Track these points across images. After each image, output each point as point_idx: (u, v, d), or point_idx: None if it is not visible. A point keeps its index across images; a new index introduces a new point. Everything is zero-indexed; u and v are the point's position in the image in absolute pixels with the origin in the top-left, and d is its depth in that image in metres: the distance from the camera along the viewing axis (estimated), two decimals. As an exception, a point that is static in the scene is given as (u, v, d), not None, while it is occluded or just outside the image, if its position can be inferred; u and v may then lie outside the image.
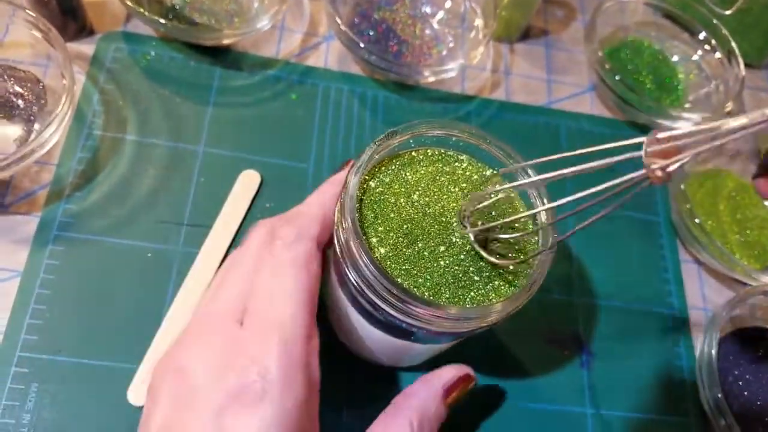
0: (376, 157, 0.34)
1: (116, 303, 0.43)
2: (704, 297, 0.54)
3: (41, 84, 0.48)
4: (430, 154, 0.36)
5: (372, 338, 0.38)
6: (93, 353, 0.41)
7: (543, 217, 0.34)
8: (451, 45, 0.60)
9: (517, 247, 0.34)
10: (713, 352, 0.47)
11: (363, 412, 0.43)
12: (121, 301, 0.43)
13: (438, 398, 0.36)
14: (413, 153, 0.36)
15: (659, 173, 0.23)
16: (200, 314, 0.33)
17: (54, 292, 0.42)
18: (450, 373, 0.38)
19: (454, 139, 0.35)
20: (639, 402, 0.48)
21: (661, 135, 0.23)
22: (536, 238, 0.34)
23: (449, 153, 0.36)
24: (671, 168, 0.23)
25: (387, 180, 0.34)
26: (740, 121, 0.22)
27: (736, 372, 0.47)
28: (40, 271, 0.43)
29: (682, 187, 0.53)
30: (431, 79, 0.56)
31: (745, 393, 0.47)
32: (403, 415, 0.35)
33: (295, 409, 0.29)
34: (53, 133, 0.43)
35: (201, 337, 0.31)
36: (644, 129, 0.61)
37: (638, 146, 0.24)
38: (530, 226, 0.35)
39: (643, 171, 0.24)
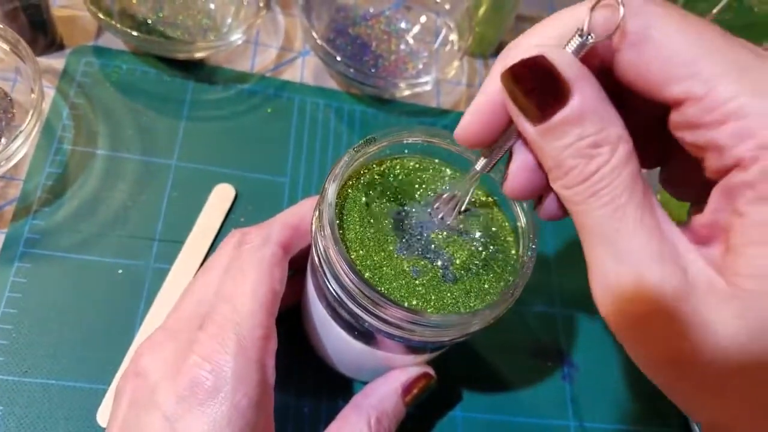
0: (355, 164, 0.33)
1: (86, 321, 0.42)
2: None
3: (9, 98, 0.47)
4: (410, 161, 0.35)
5: (353, 352, 0.37)
6: (61, 374, 0.40)
7: (522, 221, 0.33)
8: (426, 60, 0.60)
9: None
10: (694, 361, 0.46)
11: (324, 409, 0.43)
12: (90, 319, 0.42)
13: (396, 396, 0.37)
14: (393, 160, 0.35)
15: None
16: (164, 321, 0.33)
17: (21, 311, 0.41)
18: (409, 371, 0.38)
19: (434, 146, 0.35)
20: (622, 414, 0.48)
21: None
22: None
23: (429, 160, 0.36)
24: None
25: (366, 188, 0.33)
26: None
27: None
28: (6, 290, 0.41)
29: (659, 197, 0.53)
30: (407, 92, 0.55)
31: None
32: (361, 412, 0.36)
33: (248, 408, 0.29)
34: (19, 147, 0.42)
35: (161, 342, 0.32)
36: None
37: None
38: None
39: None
